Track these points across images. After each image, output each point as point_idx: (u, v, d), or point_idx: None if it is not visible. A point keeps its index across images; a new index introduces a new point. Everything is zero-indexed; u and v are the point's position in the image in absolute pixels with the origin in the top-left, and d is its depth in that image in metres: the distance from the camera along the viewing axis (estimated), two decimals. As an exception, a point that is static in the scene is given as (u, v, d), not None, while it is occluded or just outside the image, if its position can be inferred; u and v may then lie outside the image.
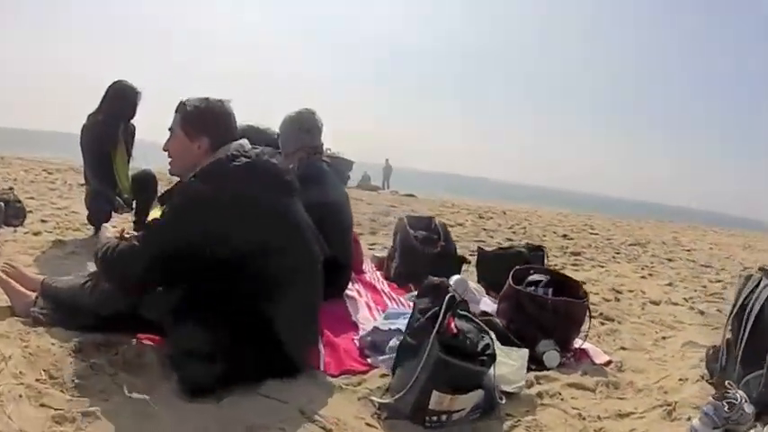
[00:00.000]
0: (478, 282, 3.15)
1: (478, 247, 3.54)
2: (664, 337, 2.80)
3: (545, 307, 2.21)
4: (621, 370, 2.22)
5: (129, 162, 3.62)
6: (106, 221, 3.37)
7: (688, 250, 7.65)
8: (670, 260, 6.18)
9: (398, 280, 3.23)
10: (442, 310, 1.44)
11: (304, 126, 2.68)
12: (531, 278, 2.37)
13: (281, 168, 1.79)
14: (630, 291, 3.93)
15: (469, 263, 3.45)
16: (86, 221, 3.56)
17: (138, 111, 3.57)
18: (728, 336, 2.01)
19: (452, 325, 1.46)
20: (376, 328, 1.95)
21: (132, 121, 3.62)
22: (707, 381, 2.04)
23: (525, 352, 1.93)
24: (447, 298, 1.47)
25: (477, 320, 1.56)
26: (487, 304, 2.70)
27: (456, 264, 3.34)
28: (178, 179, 1.92)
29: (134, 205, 3.59)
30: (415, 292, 2.95)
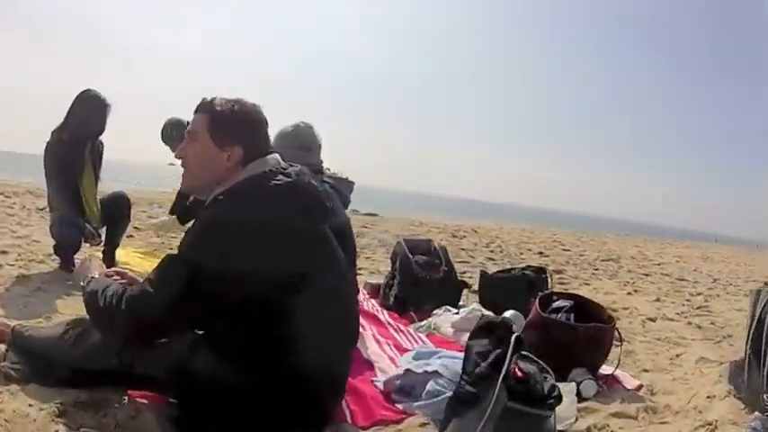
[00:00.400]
0: (483, 307, 3.00)
1: (481, 271, 3.41)
2: (677, 355, 2.77)
3: (575, 335, 2.09)
4: (654, 393, 2.16)
5: (96, 185, 3.21)
6: (75, 252, 3.01)
7: (658, 264, 7.87)
8: (647, 275, 6.29)
9: (398, 308, 3.05)
10: (509, 354, 1.27)
11: (303, 143, 2.39)
12: (555, 304, 2.25)
13: (322, 192, 1.54)
14: (625, 308, 3.90)
15: (470, 287, 3.31)
16: (51, 252, 3.15)
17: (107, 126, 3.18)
18: (749, 350, 1.99)
19: (517, 368, 1.29)
20: (408, 371, 1.73)
21: (100, 138, 3.22)
22: (734, 396, 2.01)
23: (573, 386, 1.80)
24: (513, 339, 1.30)
25: (538, 360, 1.39)
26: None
27: (457, 289, 3.20)
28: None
29: (104, 233, 3.22)
30: (420, 323, 2.78)
